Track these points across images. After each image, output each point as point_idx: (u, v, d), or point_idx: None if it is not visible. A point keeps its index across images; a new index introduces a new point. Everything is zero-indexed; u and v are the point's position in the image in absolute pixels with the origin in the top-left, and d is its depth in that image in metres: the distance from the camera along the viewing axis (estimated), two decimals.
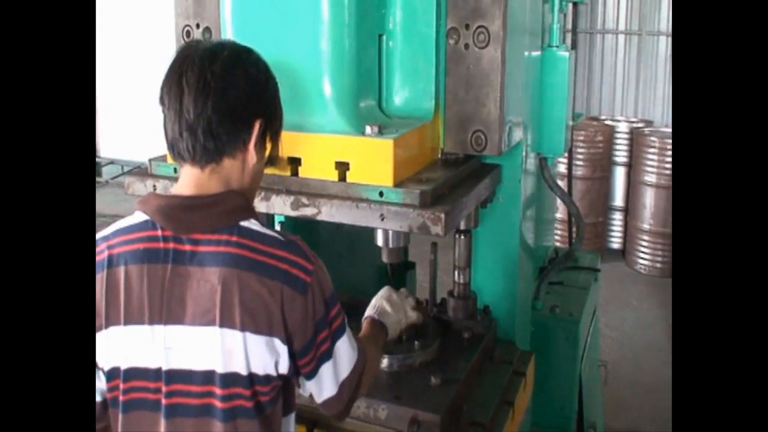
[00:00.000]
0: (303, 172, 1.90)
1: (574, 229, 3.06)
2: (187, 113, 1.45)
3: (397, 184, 1.82)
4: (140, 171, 2.09)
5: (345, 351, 1.57)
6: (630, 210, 7.15)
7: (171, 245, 1.46)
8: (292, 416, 1.65)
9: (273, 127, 1.57)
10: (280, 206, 1.90)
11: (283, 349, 1.46)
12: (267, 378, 1.48)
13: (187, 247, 1.46)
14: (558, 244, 6.29)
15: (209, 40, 1.55)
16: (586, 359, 2.90)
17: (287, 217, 2.57)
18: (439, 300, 2.44)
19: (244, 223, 1.49)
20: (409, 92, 2.09)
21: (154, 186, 2.02)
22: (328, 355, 1.54)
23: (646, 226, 6.86)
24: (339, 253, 2.75)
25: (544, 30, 2.54)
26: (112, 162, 10.30)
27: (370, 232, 2.05)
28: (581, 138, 6.85)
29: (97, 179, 10.32)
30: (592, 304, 3.10)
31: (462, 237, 2.30)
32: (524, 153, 2.33)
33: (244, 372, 1.45)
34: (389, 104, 2.10)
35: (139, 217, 1.52)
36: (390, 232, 1.97)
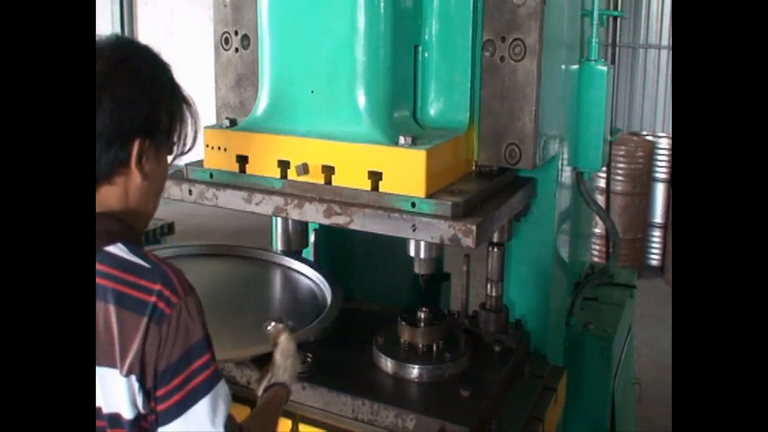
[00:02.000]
0: (336, 180, 1.92)
1: (611, 245, 3.03)
2: None
3: (430, 195, 1.82)
4: (177, 175, 2.12)
5: (201, 419, 1.37)
6: (670, 227, 7.04)
7: None
8: None
9: (157, 137, 1.47)
10: (312, 214, 1.92)
11: (136, 386, 1.34)
12: (132, 422, 1.36)
13: None
14: (596, 259, 6.23)
15: (106, 36, 1.43)
16: (619, 377, 2.85)
17: (321, 225, 2.60)
18: (471, 312, 2.43)
19: (109, 248, 1.38)
20: (444, 104, 2.09)
21: (190, 190, 2.06)
22: (177, 411, 1.36)
23: None
24: (374, 263, 2.77)
25: (583, 44, 2.53)
26: None
27: (405, 241, 2.05)
28: (621, 153, 6.78)
29: None
30: (627, 321, 3.05)
31: (495, 250, 2.29)
32: (560, 167, 2.31)
33: (104, 410, 1.36)
34: (424, 115, 2.11)
35: None
36: (422, 243, 1.97)
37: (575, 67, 2.44)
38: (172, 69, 1.54)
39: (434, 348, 2.15)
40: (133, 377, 1.34)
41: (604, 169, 3.69)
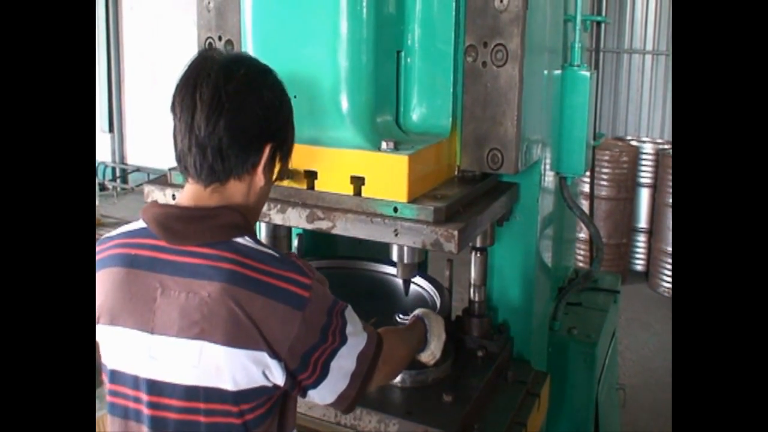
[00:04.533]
0: (319, 185, 1.92)
1: (594, 250, 3.04)
2: (198, 130, 1.44)
3: (412, 200, 1.82)
4: (160, 180, 2.11)
5: (342, 368, 1.52)
6: (654, 232, 7.08)
7: (163, 255, 1.46)
8: None
9: (283, 150, 1.57)
10: (295, 219, 1.92)
11: (275, 365, 1.43)
12: (256, 393, 1.45)
13: (180, 258, 1.45)
14: (581, 264, 6.25)
15: (228, 51, 1.53)
16: (603, 382, 2.86)
17: (305, 230, 2.60)
18: (454, 317, 2.43)
19: (238, 239, 1.47)
20: (427, 109, 2.09)
21: (174, 195, 2.05)
22: (325, 372, 1.50)
23: (670, 249, 6.78)
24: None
25: (566, 49, 2.53)
26: (138, 169, 10.45)
27: (388, 247, 2.04)
28: (606, 158, 6.81)
29: (123, 186, 10.49)
30: (611, 327, 3.06)
31: (478, 254, 2.29)
32: (542, 172, 2.32)
33: (229, 388, 1.43)
34: (406, 121, 2.11)
35: (139, 224, 1.53)
36: (405, 248, 1.97)
37: (558, 72, 2.44)
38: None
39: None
40: (277, 359, 1.42)
41: (589, 174, 3.70)
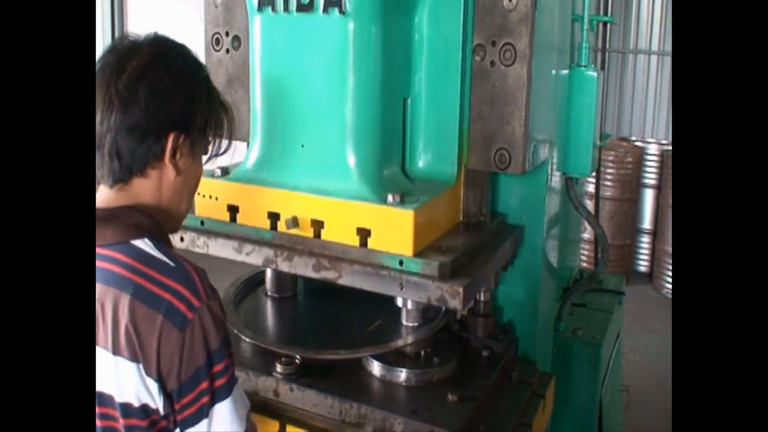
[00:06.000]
0: (325, 235, 1.93)
1: (600, 250, 3.04)
2: (96, 130, 1.41)
3: (417, 253, 1.84)
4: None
5: (224, 420, 1.41)
6: (658, 233, 7.08)
7: None
8: None
9: (193, 134, 1.48)
10: (302, 267, 1.94)
11: (153, 385, 1.36)
12: (144, 411, 1.38)
13: None
14: (585, 265, 6.25)
15: (135, 37, 1.44)
16: (607, 383, 2.86)
17: None
18: (460, 317, 2.43)
19: (136, 242, 1.41)
20: (432, 156, 2.10)
21: (182, 237, 2.07)
22: (204, 413, 1.40)
23: None
24: None
25: (573, 49, 2.53)
26: None
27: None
28: (611, 159, 6.81)
29: None
30: (615, 328, 3.05)
31: None
32: (549, 172, 2.31)
33: (117, 398, 1.38)
34: (412, 167, 2.12)
35: None
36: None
37: (565, 72, 2.44)
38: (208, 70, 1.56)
39: (422, 352, 2.14)
40: (153, 378, 1.36)
41: (593, 174, 3.71)
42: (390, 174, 2.02)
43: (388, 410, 1.95)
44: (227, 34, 2.25)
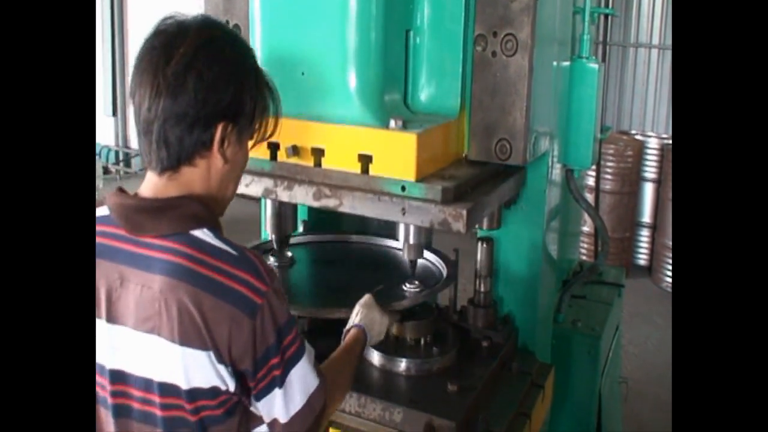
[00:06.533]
0: (326, 162, 1.91)
1: (600, 243, 3.04)
2: (141, 116, 1.40)
3: (420, 179, 1.82)
4: None
5: (299, 383, 1.48)
6: (658, 227, 7.07)
7: (124, 245, 1.42)
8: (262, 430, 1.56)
9: (242, 124, 1.47)
10: (302, 196, 1.92)
11: (224, 370, 1.39)
12: (214, 392, 1.41)
13: (138, 249, 1.40)
14: (584, 257, 6.25)
15: (181, 19, 1.41)
16: (606, 375, 2.86)
17: (310, 216, 2.59)
18: (460, 307, 2.43)
19: (195, 232, 1.41)
20: (435, 89, 2.08)
21: None
22: (279, 382, 1.45)
23: None
24: None
25: (574, 41, 2.53)
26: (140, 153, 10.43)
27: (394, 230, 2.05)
28: (611, 152, 6.80)
29: (127, 170, 10.50)
30: (614, 320, 3.06)
31: (484, 245, 2.29)
32: (550, 164, 2.31)
33: (183, 386, 1.39)
34: (414, 101, 2.10)
35: (104, 210, 1.48)
36: (411, 228, 1.97)
37: (566, 64, 2.43)
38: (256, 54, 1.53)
39: (422, 342, 2.15)
40: (225, 364, 1.38)
41: (594, 167, 3.70)
42: (392, 101, 2.00)
43: (388, 400, 1.96)
44: (227, 22, 2.24)
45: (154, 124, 1.39)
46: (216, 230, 1.45)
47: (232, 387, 1.41)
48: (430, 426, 1.87)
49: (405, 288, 2.18)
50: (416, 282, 2.19)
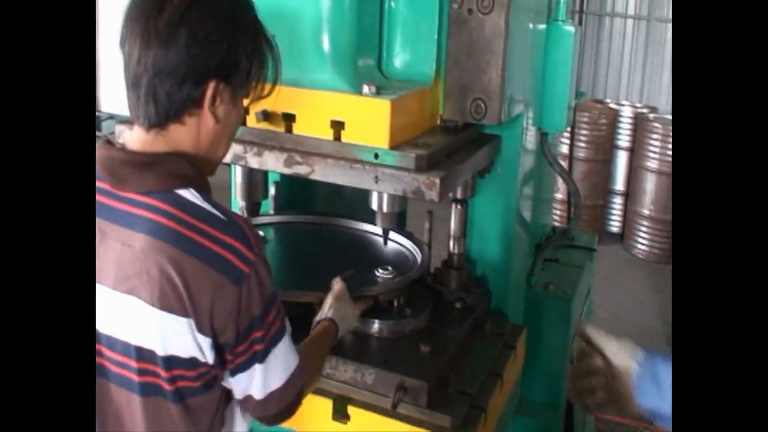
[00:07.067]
0: (297, 129, 1.87)
1: (572, 207, 3.05)
2: (130, 68, 1.35)
3: (393, 146, 1.79)
4: (130, 119, 2.03)
5: (281, 360, 1.45)
6: (630, 194, 7.14)
7: (105, 199, 1.37)
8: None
9: (235, 84, 1.41)
10: (273, 163, 1.88)
11: (204, 340, 1.34)
12: (192, 363, 1.36)
13: (119, 205, 1.35)
14: (557, 224, 6.29)
15: None
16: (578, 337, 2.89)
17: (282, 177, 2.55)
18: (433, 269, 2.43)
19: (181, 192, 1.35)
20: (410, 55, 2.05)
21: None
22: (260, 357, 1.41)
23: (645, 212, 6.85)
24: None
25: (550, 5, 2.50)
26: (111, 117, 10.19)
27: (367, 196, 2.02)
28: (585, 120, 6.83)
29: (97, 134, 10.32)
30: (586, 283, 3.09)
31: (458, 206, 2.28)
32: (525, 126, 2.30)
33: (160, 352, 1.34)
34: (389, 67, 2.06)
35: None
36: (385, 196, 1.95)
37: (542, 26, 2.41)
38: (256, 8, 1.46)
39: (395, 303, 2.14)
40: (206, 334, 1.33)
41: (568, 135, 3.70)
42: (365, 66, 1.96)
43: (360, 361, 1.95)
44: None
45: (143, 78, 1.34)
46: (204, 192, 1.39)
47: (211, 359, 1.36)
48: (401, 386, 1.87)
49: (378, 273, 2.16)
50: (389, 267, 2.17)
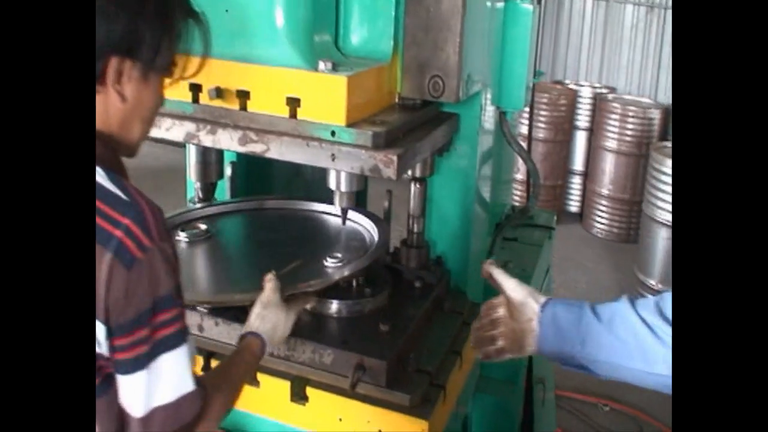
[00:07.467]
0: (252, 106, 1.83)
1: (531, 186, 3.06)
2: None
3: (350, 124, 1.77)
4: None
5: (170, 373, 1.29)
6: (589, 174, 7.22)
7: None
8: None
9: (148, 57, 1.32)
10: (227, 141, 1.85)
11: (100, 328, 1.23)
12: None
13: None
14: (517, 204, 6.33)
15: None
16: None
17: (239, 157, 2.50)
18: (393, 248, 2.42)
19: None
20: (367, 32, 2.02)
21: None
22: (144, 362, 1.26)
23: (604, 191, 6.94)
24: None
25: None
26: None
27: (326, 175, 1.99)
28: (544, 101, 6.87)
29: None
30: (545, 262, 3.11)
31: (417, 185, 2.27)
32: (483, 104, 2.30)
33: None
34: (346, 44, 2.03)
35: None
36: (342, 175, 1.93)
37: (501, 4, 2.40)
38: None
39: (354, 283, 2.13)
40: (100, 320, 1.22)
41: (527, 115, 3.70)
42: (322, 42, 1.92)
43: (318, 341, 1.94)
44: None
45: None
46: (113, 172, 1.29)
47: (105, 351, 1.25)
48: (360, 366, 1.86)
49: (326, 263, 2.10)
50: (338, 255, 2.10)
